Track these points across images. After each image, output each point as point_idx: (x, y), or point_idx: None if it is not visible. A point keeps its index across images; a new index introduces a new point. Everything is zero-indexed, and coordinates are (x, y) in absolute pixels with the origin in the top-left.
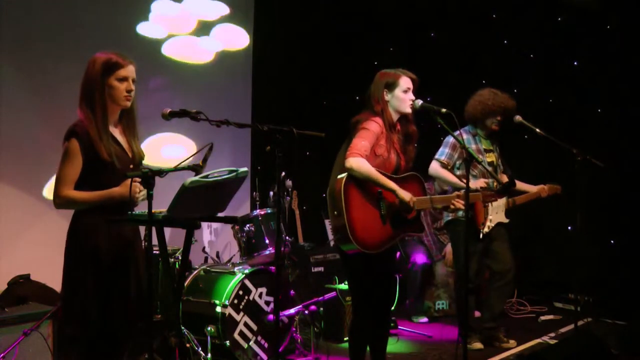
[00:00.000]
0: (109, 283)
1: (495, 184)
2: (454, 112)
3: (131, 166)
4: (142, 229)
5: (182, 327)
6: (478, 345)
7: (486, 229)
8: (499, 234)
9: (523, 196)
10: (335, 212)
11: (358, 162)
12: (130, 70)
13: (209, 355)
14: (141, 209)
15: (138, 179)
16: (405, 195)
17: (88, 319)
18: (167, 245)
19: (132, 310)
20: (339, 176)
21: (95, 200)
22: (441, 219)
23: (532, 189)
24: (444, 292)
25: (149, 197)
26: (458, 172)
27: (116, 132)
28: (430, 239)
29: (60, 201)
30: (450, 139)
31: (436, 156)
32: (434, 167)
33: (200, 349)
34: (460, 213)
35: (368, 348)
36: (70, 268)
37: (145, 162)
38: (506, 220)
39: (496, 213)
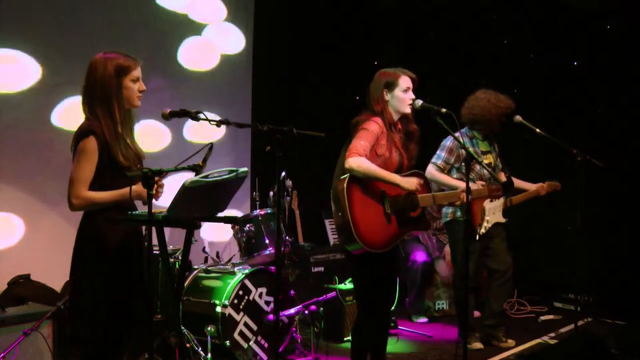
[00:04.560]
0: (121, 283)
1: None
2: (453, 112)
3: (138, 165)
4: (143, 229)
5: (182, 327)
6: (478, 345)
7: (483, 230)
8: (497, 232)
9: (521, 195)
10: (340, 213)
11: (357, 161)
12: (140, 70)
13: (209, 355)
14: (141, 208)
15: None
16: (410, 184)
17: (97, 321)
18: (167, 245)
19: (139, 309)
20: (341, 177)
21: (114, 199)
22: (440, 219)
23: (530, 187)
24: (444, 292)
25: (149, 197)
26: (455, 176)
27: (124, 133)
28: (427, 236)
29: (79, 202)
30: (446, 143)
31: (432, 160)
32: (431, 171)
33: (200, 349)
34: (459, 213)
35: None
36: (82, 268)
37: None
38: (504, 220)
39: (493, 214)
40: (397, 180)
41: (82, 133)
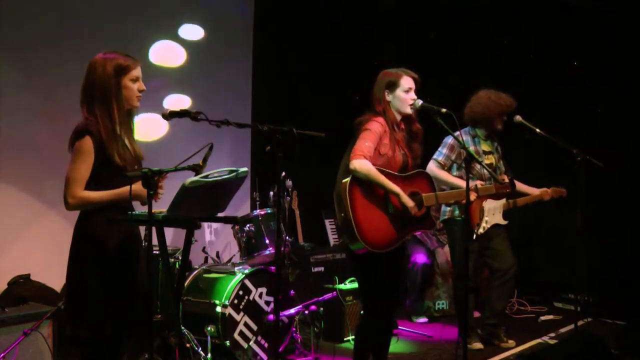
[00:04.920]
0: (117, 283)
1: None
2: (454, 112)
3: (136, 167)
4: (142, 229)
5: (182, 327)
6: (478, 345)
7: (481, 230)
8: (496, 233)
9: (524, 198)
10: (342, 213)
11: (361, 163)
12: (139, 70)
13: (209, 355)
14: (141, 209)
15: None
16: (408, 202)
17: (96, 320)
18: (167, 245)
19: (138, 309)
20: (344, 178)
21: (110, 199)
22: (439, 220)
23: (534, 191)
24: (444, 292)
25: (149, 197)
26: (455, 174)
27: (122, 134)
28: (425, 235)
29: (75, 202)
30: (448, 140)
31: (434, 156)
32: (431, 168)
33: (200, 349)
34: (457, 212)
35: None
36: (78, 268)
37: None
38: (504, 222)
39: (492, 214)
40: (397, 192)
41: (79, 133)
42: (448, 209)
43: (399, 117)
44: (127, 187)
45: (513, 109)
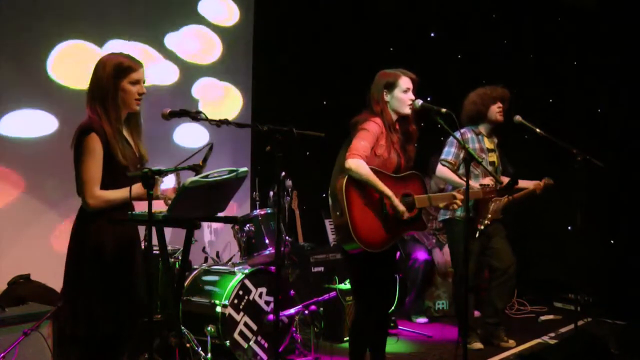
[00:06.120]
0: (115, 282)
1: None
2: (454, 112)
3: (138, 166)
4: (142, 229)
5: (182, 327)
6: (478, 345)
7: (482, 227)
8: (496, 231)
9: (519, 193)
10: (338, 212)
11: (357, 163)
12: (141, 73)
13: (209, 355)
14: (141, 209)
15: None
16: (399, 205)
17: (95, 319)
18: (167, 245)
19: (136, 309)
20: (340, 176)
21: (125, 197)
22: (436, 220)
23: (528, 185)
24: (444, 292)
25: (149, 197)
26: (461, 171)
27: (125, 134)
28: (424, 236)
29: (95, 202)
30: (453, 138)
31: (442, 157)
32: (442, 170)
33: (200, 349)
34: (458, 213)
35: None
36: (75, 268)
37: None
38: (501, 217)
39: (495, 211)
40: (389, 195)
41: (84, 130)
42: None
43: (395, 118)
44: (138, 185)
45: (507, 97)
